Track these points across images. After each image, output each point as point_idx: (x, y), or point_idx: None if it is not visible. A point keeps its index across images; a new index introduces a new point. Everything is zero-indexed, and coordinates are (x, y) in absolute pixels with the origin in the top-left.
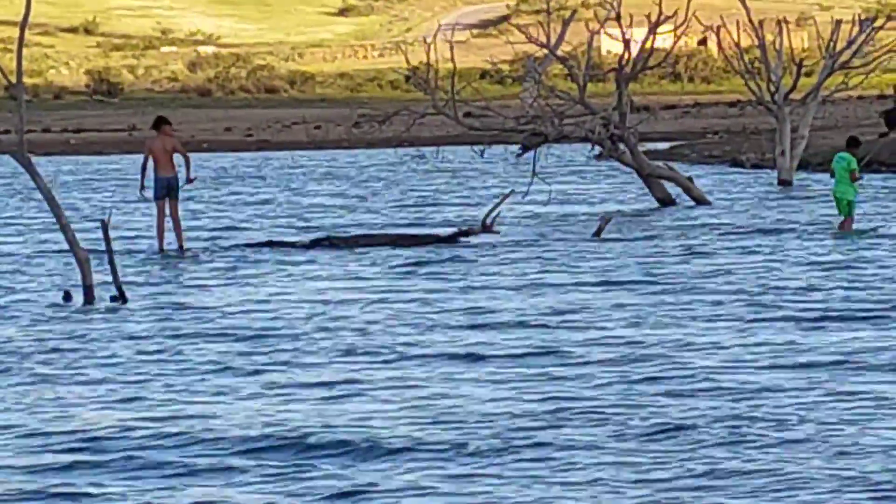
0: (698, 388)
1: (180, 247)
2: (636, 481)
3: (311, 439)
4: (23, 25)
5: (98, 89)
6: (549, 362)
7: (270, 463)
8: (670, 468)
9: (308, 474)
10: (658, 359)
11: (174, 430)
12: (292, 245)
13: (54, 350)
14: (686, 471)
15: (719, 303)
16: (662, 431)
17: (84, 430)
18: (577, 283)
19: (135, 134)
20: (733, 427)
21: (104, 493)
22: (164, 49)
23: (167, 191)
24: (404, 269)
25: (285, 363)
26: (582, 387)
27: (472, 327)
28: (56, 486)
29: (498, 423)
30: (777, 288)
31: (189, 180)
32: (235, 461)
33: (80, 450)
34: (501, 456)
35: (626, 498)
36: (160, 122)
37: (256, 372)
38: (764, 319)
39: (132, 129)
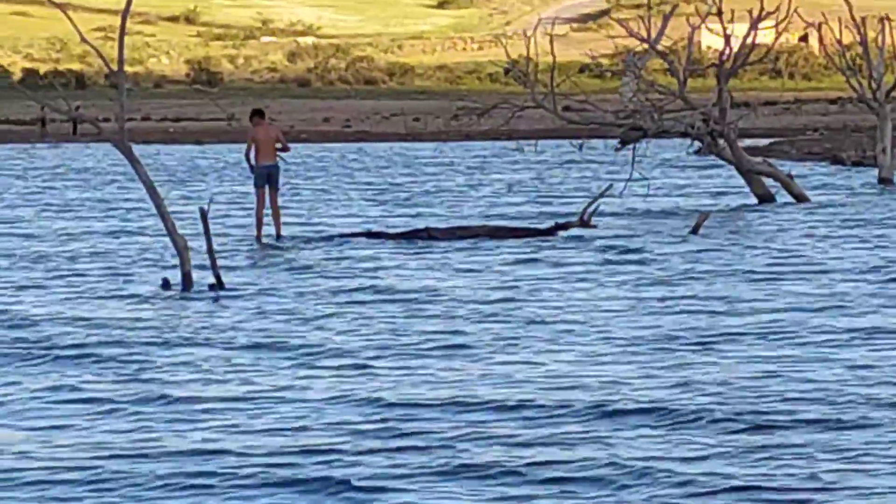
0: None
1: (278, 235)
2: None
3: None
4: (124, 14)
5: (198, 79)
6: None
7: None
8: None
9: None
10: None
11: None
12: (390, 236)
13: (151, 336)
14: None
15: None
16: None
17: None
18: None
19: (233, 124)
20: None
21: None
22: (264, 39)
23: (267, 179)
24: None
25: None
26: None
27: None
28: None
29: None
30: None
31: (281, 152)
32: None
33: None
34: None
35: None
36: (257, 114)
37: (358, 367)
38: None
39: (231, 119)
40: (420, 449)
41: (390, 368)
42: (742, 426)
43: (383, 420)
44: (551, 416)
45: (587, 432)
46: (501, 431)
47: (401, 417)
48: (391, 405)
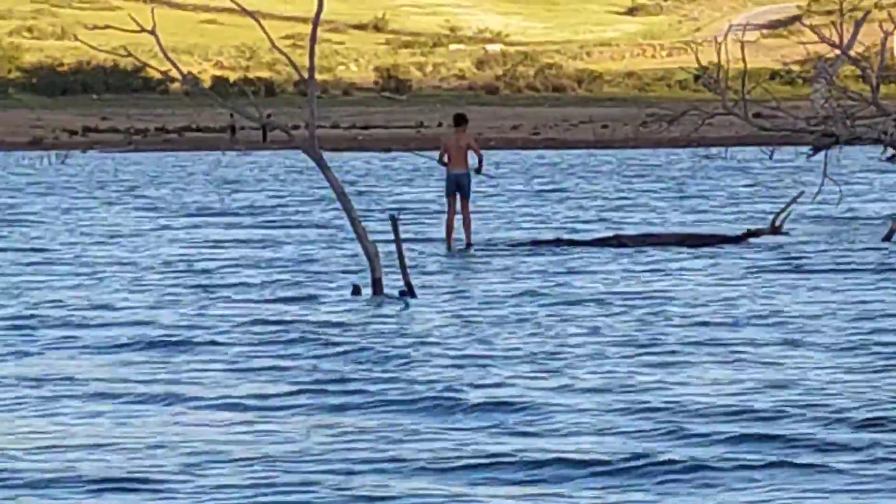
0: None
1: (468, 243)
2: None
3: None
4: (315, 22)
5: (386, 86)
6: None
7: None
8: None
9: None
10: None
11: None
12: (580, 243)
13: (340, 343)
14: None
15: None
16: None
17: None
18: None
19: (422, 131)
20: None
21: None
22: (452, 47)
23: (457, 187)
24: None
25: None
26: None
27: None
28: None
29: None
30: None
31: (478, 171)
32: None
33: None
34: None
35: None
36: (460, 120)
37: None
38: None
39: (419, 126)
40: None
41: (592, 372)
42: None
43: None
44: (827, 424)
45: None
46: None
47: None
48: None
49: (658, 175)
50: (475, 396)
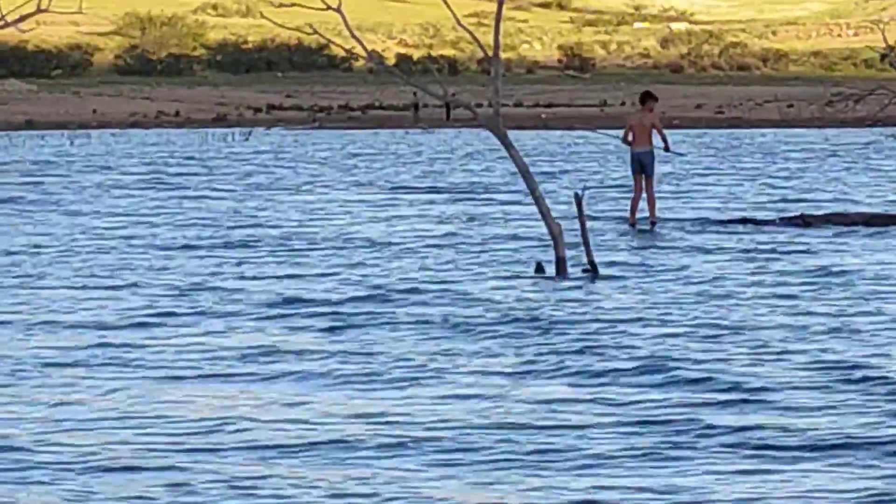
0: None
1: (652, 221)
2: None
3: None
4: (501, 0)
5: (570, 65)
6: None
7: None
8: None
9: None
10: None
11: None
12: (765, 223)
13: (522, 320)
14: None
15: None
16: None
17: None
18: None
19: (605, 110)
20: None
21: None
22: (637, 25)
23: (640, 165)
24: None
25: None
26: None
27: None
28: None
29: None
30: None
31: (666, 149)
32: None
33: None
34: None
35: None
36: (646, 97)
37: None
38: None
39: (603, 105)
40: None
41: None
42: None
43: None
44: None
45: None
46: None
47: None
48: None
49: (843, 154)
50: (686, 371)
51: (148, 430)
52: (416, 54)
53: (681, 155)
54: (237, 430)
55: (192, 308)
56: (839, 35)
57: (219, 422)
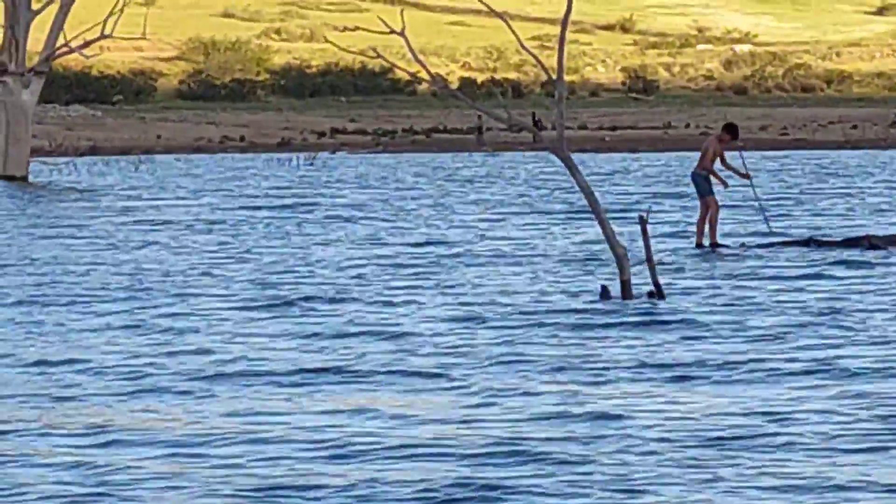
0: None
1: (713, 243)
2: None
3: None
4: (564, 22)
5: (634, 87)
6: None
7: None
8: None
9: None
10: None
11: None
12: (829, 244)
13: (584, 344)
14: None
15: None
16: None
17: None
18: None
19: (669, 132)
20: None
21: None
22: (700, 47)
23: (703, 188)
24: None
25: None
26: None
27: None
28: None
29: None
30: None
31: (745, 175)
32: None
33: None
34: None
35: None
36: (727, 128)
37: None
38: None
39: (667, 127)
40: None
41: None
42: None
43: None
44: None
45: None
46: None
47: None
48: None
49: None
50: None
51: None
52: (480, 78)
53: (743, 176)
54: None
55: None
56: None
57: None
